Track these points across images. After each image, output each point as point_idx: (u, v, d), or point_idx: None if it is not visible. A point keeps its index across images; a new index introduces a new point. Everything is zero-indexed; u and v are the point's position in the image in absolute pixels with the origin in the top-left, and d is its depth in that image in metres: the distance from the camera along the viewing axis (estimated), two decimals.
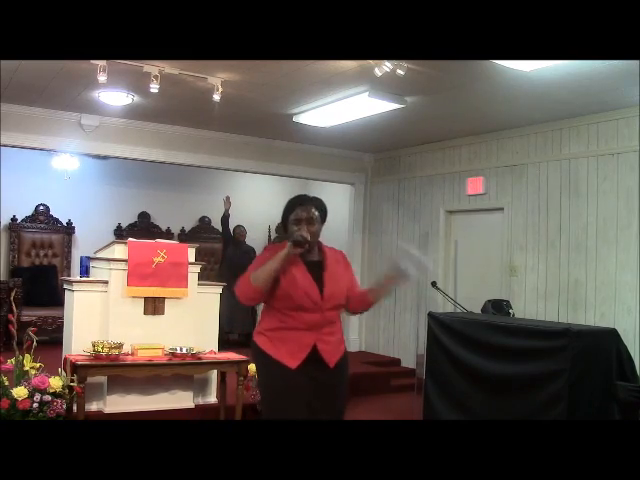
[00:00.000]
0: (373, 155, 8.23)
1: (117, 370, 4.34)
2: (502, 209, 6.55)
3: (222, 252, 8.18)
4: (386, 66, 4.31)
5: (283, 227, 2.91)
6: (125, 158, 7.07)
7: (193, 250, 4.98)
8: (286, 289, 2.72)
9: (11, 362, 4.18)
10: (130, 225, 8.83)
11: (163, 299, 4.74)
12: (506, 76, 4.64)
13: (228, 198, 7.87)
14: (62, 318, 5.53)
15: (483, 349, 4.54)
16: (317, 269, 2.80)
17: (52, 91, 5.64)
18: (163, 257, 4.68)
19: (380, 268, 7.99)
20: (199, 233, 9.24)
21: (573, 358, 4.01)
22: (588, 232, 5.71)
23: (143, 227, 8.82)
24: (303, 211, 2.80)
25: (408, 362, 7.25)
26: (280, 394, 2.75)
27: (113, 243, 4.91)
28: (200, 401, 5.03)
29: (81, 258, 5.14)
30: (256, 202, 9.09)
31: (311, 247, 2.80)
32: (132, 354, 4.48)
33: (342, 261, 2.93)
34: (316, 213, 2.83)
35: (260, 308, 3.05)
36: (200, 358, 4.60)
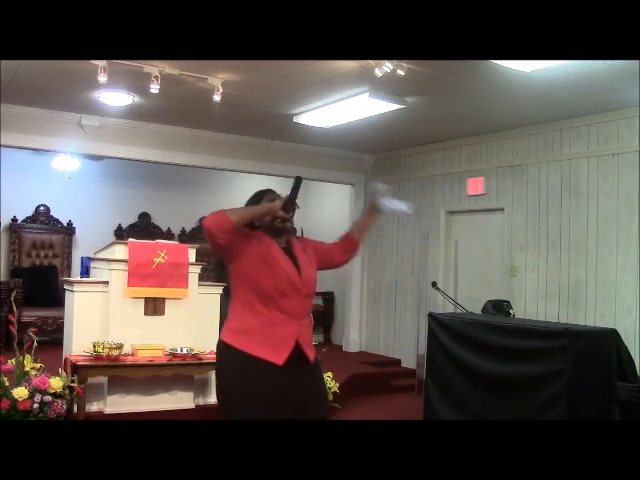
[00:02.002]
0: (373, 155, 8.23)
1: (117, 370, 4.35)
2: (502, 209, 6.55)
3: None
4: (386, 66, 4.31)
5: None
6: (124, 158, 7.07)
7: (193, 250, 4.99)
8: (266, 271, 2.54)
9: (11, 362, 4.19)
10: (130, 225, 8.82)
11: (163, 299, 4.74)
12: (506, 76, 4.64)
13: None
14: (62, 318, 5.53)
15: (483, 349, 4.54)
16: (290, 254, 2.65)
17: (52, 91, 5.64)
18: (163, 257, 4.69)
19: (380, 268, 8.00)
20: (200, 234, 9.21)
21: (573, 358, 4.01)
22: (588, 232, 5.71)
23: (143, 227, 8.82)
24: (276, 195, 2.76)
25: (408, 362, 7.25)
26: (266, 395, 2.43)
27: (113, 243, 4.92)
28: (200, 401, 5.02)
29: (81, 258, 5.16)
30: None
31: (288, 231, 2.69)
32: (132, 354, 4.48)
33: (307, 244, 2.80)
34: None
35: None
36: (200, 358, 4.60)
